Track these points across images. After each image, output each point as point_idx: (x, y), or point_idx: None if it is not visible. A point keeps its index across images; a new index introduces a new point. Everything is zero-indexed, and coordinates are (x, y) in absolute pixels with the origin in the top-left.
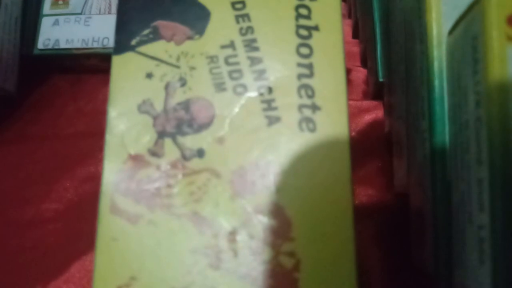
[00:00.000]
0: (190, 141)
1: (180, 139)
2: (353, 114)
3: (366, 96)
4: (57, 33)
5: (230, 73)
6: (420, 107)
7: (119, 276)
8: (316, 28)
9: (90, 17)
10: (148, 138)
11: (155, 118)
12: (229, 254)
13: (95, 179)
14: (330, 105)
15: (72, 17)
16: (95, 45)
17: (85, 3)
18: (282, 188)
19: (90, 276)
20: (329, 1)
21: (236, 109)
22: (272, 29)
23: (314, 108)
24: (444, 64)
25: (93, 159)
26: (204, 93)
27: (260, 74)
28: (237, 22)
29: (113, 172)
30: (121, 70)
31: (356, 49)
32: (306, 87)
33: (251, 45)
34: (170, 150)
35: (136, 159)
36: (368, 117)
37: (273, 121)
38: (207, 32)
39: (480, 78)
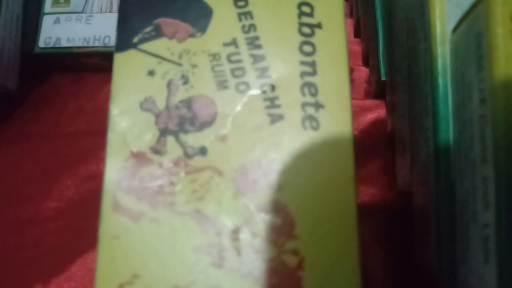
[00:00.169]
0: (193, 139)
1: (183, 137)
2: (355, 113)
3: (368, 95)
4: (58, 31)
5: (232, 71)
6: (423, 105)
7: (121, 273)
8: (319, 26)
9: (91, 16)
10: (150, 135)
11: (157, 115)
12: (232, 252)
13: (97, 177)
14: (333, 103)
15: (74, 15)
16: (97, 43)
17: (86, 1)
18: (285, 186)
19: (92, 274)
20: None
21: (239, 107)
22: (275, 27)
23: (317, 106)
24: (448, 61)
25: (94, 157)
26: (206, 91)
27: (263, 72)
28: (240, 19)
29: (115, 170)
30: (123, 67)
31: (357, 48)
32: (309, 85)
33: (253, 43)
34: (173, 148)
35: (138, 157)
36: (370, 116)
37: (276, 119)
38: (209, 30)
39: (484, 75)
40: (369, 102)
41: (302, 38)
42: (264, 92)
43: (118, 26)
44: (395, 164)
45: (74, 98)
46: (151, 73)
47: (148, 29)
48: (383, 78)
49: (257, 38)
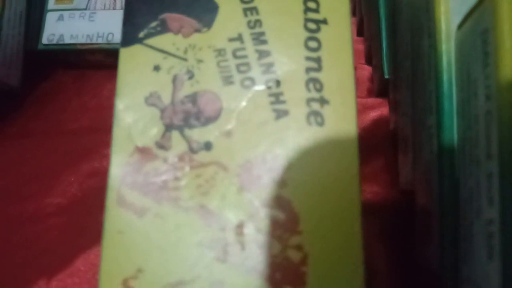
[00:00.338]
0: (198, 134)
1: (188, 132)
2: (358, 111)
3: (371, 93)
4: (61, 28)
5: (237, 66)
6: (427, 103)
7: (126, 268)
8: (324, 21)
9: (94, 13)
10: (155, 130)
11: (162, 110)
12: (236, 247)
13: (99, 174)
14: (338, 99)
15: (77, 12)
16: (100, 40)
17: None
18: (289, 182)
19: (95, 269)
20: None
21: (244, 103)
22: (280, 23)
23: (322, 102)
24: (453, 58)
25: (97, 154)
26: (212, 86)
27: (268, 67)
28: (245, 15)
29: (120, 165)
30: (128, 62)
31: (360, 46)
32: (314, 80)
33: (259, 38)
34: (178, 143)
35: (143, 152)
36: (373, 114)
37: (281, 114)
38: (215, 25)
39: (490, 72)
40: (372, 100)
41: (307, 34)
42: (269, 87)
43: (123, 21)
44: (398, 162)
45: (77, 95)
46: (156, 68)
47: (153, 24)
48: (386, 76)
49: (262, 33)
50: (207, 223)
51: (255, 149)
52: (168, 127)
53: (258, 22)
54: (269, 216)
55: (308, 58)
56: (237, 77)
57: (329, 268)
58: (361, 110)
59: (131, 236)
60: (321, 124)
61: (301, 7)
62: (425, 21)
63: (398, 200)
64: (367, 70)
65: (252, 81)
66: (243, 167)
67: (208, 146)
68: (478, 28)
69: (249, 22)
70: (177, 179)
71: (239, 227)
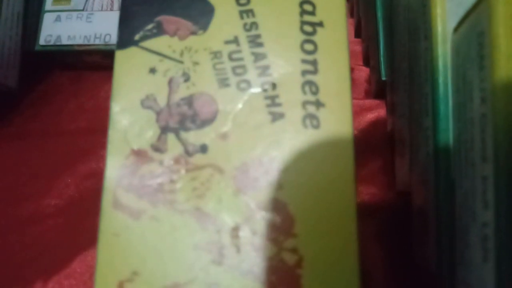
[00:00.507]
0: (193, 137)
1: (183, 134)
2: (355, 113)
3: (368, 95)
4: (59, 29)
5: (233, 68)
6: (423, 105)
7: (121, 271)
8: (320, 24)
9: (92, 14)
10: (151, 133)
11: (158, 113)
12: (232, 250)
13: (97, 175)
14: (334, 101)
15: (74, 13)
16: (97, 41)
17: None
18: (285, 184)
19: (92, 271)
20: None
21: (240, 105)
22: (277, 25)
23: (318, 104)
24: (449, 61)
25: (94, 155)
26: (208, 89)
27: (264, 70)
28: (241, 17)
29: (115, 167)
30: (124, 65)
31: (358, 48)
32: (310, 83)
33: (255, 41)
34: (173, 145)
35: (139, 154)
36: (370, 116)
37: (276, 117)
38: (211, 28)
39: (486, 74)
40: (369, 102)
41: (303, 37)
42: (265, 90)
43: (119, 23)
44: (395, 164)
45: (75, 96)
46: (152, 70)
47: (149, 26)
48: (383, 78)
49: (258, 36)
50: (203, 226)
51: (251, 151)
52: (164, 130)
53: (254, 25)
54: (265, 219)
55: (304, 61)
56: (233, 79)
57: (324, 271)
58: (358, 111)
59: (127, 238)
60: (316, 127)
61: (297, 10)
62: (422, 23)
63: (395, 201)
64: (364, 72)
65: (248, 83)
66: (239, 169)
67: (204, 148)
68: (474, 31)
69: (245, 24)
70: (172, 181)
71: (235, 229)
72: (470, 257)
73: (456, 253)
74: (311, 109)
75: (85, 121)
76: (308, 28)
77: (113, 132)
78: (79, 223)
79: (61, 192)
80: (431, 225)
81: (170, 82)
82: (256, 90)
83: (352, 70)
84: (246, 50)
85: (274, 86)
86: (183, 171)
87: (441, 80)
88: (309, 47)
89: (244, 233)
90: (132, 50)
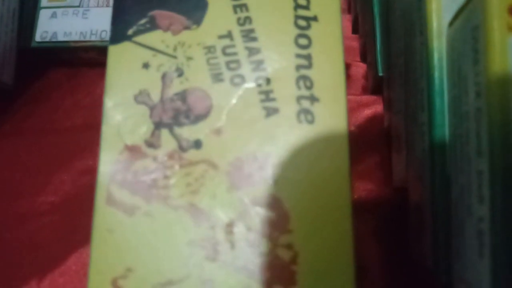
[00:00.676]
0: (187, 132)
1: (177, 130)
2: (352, 109)
3: (365, 90)
4: (55, 25)
5: (227, 63)
6: (419, 100)
7: (115, 267)
8: (315, 18)
9: (88, 10)
10: (144, 129)
11: (151, 108)
12: (226, 246)
13: (93, 172)
14: (328, 96)
15: (70, 9)
16: (93, 38)
17: None
18: (279, 180)
19: (87, 269)
20: None
21: (234, 100)
22: (270, 20)
23: (313, 99)
24: (444, 55)
25: (90, 152)
26: (201, 84)
27: (258, 64)
28: (235, 12)
29: (109, 163)
30: (117, 60)
31: (355, 44)
32: (304, 78)
33: (249, 36)
34: (167, 141)
35: (133, 150)
36: (367, 112)
37: (271, 112)
38: (204, 22)
39: (480, 68)
40: (366, 98)
41: (297, 31)
42: (259, 85)
43: (112, 18)
44: (392, 160)
45: (71, 93)
46: (145, 65)
47: (143, 21)
48: (380, 74)
49: (252, 30)
50: (197, 222)
51: (245, 147)
52: (158, 125)
53: (248, 19)
54: (259, 215)
55: (298, 56)
56: (227, 74)
57: (319, 267)
58: (355, 107)
59: (121, 235)
60: (311, 122)
61: (291, 4)
62: (417, 18)
63: (391, 197)
64: (362, 68)
65: (242, 78)
66: (233, 165)
67: (198, 144)
68: (469, 25)
69: (238, 19)
70: (166, 177)
71: (229, 225)
72: (466, 252)
73: (452, 248)
74: (306, 104)
75: (81, 117)
76: (302, 23)
77: (107, 127)
78: (74, 220)
79: (57, 189)
80: (427, 220)
81: (163, 77)
82: (250, 85)
83: (349, 66)
84: (240, 44)
85: (268, 81)
86: (177, 167)
87: (436, 75)
88: (303, 41)
89: (239, 229)
90: (125, 45)
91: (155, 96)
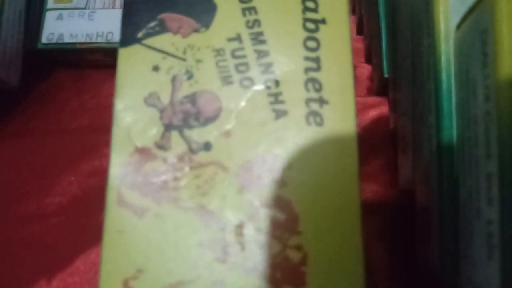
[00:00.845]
0: (197, 134)
1: (187, 132)
2: (357, 110)
3: (370, 92)
4: (61, 27)
5: (236, 66)
6: (427, 102)
7: (126, 268)
8: (323, 21)
9: (94, 12)
10: (154, 131)
11: (161, 111)
12: (236, 247)
13: (99, 173)
14: (337, 99)
15: (76, 11)
16: (99, 39)
17: None
18: (289, 182)
19: (96, 269)
20: None
21: (243, 103)
22: (279, 22)
23: (322, 102)
24: (452, 58)
25: (97, 153)
26: (211, 86)
27: (267, 67)
28: (244, 15)
29: (119, 165)
30: (127, 62)
31: (360, 45)
32: (313, 80)
33: (258, 38)
34: (177, 143)
35: (143, 152)
36: (373, 113)
37: (280, 114)
38: (213, 25)
39: (489, 72)
40: (371, 99)
41: (306, 34)
42: (268, 87)
43: (122, 21)
44: (398, 161)
45: (77, 94)
46: (155, 68)
47: (152, 24)
48: (386, 75)
49: (261, 33)
50: (207, 224)
51: (254, 149)
52: (168, 128)
53: (256, 22)
54: (269, 216)
55: (307, 58)
56: (236, 77)
57: (329, 268)
58: (360, 109)
59: (131, 236)
60: (320, 124)
61: (299, 7)
62: (425, 20)
63: (397, 199)
64: (366, 69)
65: (251, 81)
66: (243, 167)
67: (207, 146)
68: (478, 28)
69: (247, 22)
70: (176, 179)
71: (239, 227)
72: (475, 255)
73: (460, 250)
74: (315, 106)
75: (87, 119)
76: (310, 25)
77: (117, 129)
78: (82, 221)
79: (64, 190)
80: (434, 222)
81: (173, 80)
82: (259, 87)
83: (354, 67)
84: (249, 47)
85: (277, 83)
86: (187, 169)
87: (444, 77)
88: (311, 44)
89: (249, 230)
90: (135, 48)
91: (165, 99)
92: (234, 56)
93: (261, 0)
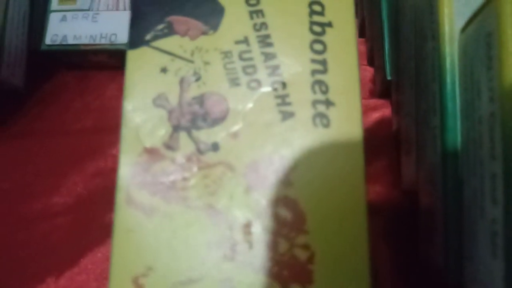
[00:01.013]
0: (205, 135)
1: (195, 133)
2: None
3: (373, 94)
4: (65, 29)
5: (244, 68)
6: (431, 104)
7: (136, 266)
8: (329, 24)
9: (98, 13)
10: (163, 131)
11: (170, 112)
12: (244, 246)
13: (104, 173)
14: (343, 100)
15: (80, 13)
16: (103, 41)
17: None
18: (295, 182)
19: (102, 267)
20: None
21: (250, 104)
22: (286, 25)
23: (328, 103)
24: (456, 60)
25: (101, 154)
26: (218, 88)
27: (274, 69)
28: (251, 18)
29: (128, 165)
30: (136, 64)
31: (362, 48)
32: (319, 83)
33: (265, 41)
34: (185, 143)
35: (152, 152)
36: (375, 115)
37: (287, 116)
38: (221, 28)
39: (494, 74)
40: (374, 101)
41: (313, 37)
42: (275, 89)
43: (131, 23)
44: (401, 162)
45: (80, 96)
46: (163, 70)
47: (160, 26)
48: (388, 78)
49: (268, 36)
50: (215, 223)
51: (261, 150)
52: (176, 128)
53: (263, 25)
54: (276, 216)
55: (314, 61)
56: (243, 79)
57: (335, 266)
58: (363, 111)
59: (141, 234)
60: (326, 125)
61: (306, 10)
62: (429, 23)
63: (400, 200)
64: (369, 72)
65: (258, 83)
66: (250, 167)
67: (215, 147)
68: (482, 31)
69: (255, 24)
70: (185, 179)
71: (247, 226)
72: (479, 254)
73: (464, 250)
74: (321, 108)
75: (91, 120)
76: (317, 28)
77: (126, 130)
78: (88, 221)
79: (69, 191)
80: (438, 223)
81: (181, 81)
82: (266, 89)
83: None
84: (256, 50)
85: (284, 85)
86: (195, 169)
87: (448, 79)
88: (318, 47)
89: (256, 229)
90: (143, 50)
91: (173, 100)
92: (241, 59)
93: (268, 3)
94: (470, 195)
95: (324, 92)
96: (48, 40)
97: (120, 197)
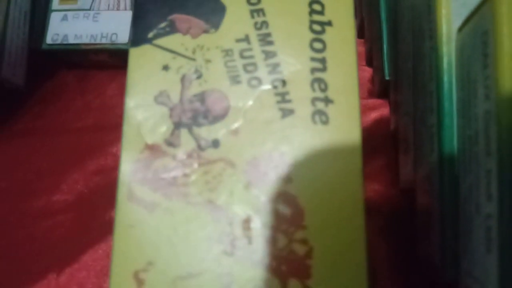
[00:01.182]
0: (206, 132)
1: (196, 130)
2: None
3: (371, 94)
4: (65, 28)
5: (244, 66)
6: (428, 103)
7: (137, 261)
8: (329, 23)
9: (98, 13)
10: (164, 128)
11: (171, 109)
12: (243, 241)
13: (105, 171)
14: (342, 98)
15: (81, 12)
16: (104, 40)
17: None
18: (295, 178)
19: (103, 264)
20: None
21: (251, 102)
22: (286, 24)
23: (327, 101)
24: (453, 60)
25: (102, 152)
26: (219, 86)
27: (274, 67)
28: (252, 16)
29: (130, 161)
30: (138, 62)
31: (361, 48)
32: (319, 80)
33: (265, 39)
34: (186, 140)
35: (153, 149)
36: (374, 115)
37: (286, 113)
38: (222, 26)
39: (490, 72)
40: (372, 101)
41: (312, 35)
42: (275, 87)
43: (133, 22)
44: (398, 161)
45: (81, 95)
46: (165, 67)
47: (162, 24)
48: (387, 78)
49: (269, 34)
50: (215, 218)
51: (261, 146)
52: (177, 125)
53: (264, 24)
54: (275, 211)
55: (313, 59)
56: (244, 76)
57: (333, 261)
58: (362, 111)
59: (142, 230)
60: (325, 122)
61: (306, 9)
62: (426, 23)
63: (398, 198)
64: (367, 72)
65: (259, 80)
66: (250, 163)
67: (215, 143)
68: (479, 30)
69: (256, 23)
70: (186, 175)
71: (246, 221)
72: (474, 249)
73: (460, 246)
74: (320, 105)
75: (91, 119)
76: (317, 27)
77: (128, 127)
78: (88, 218)
79: (70, 188)
80: (435, 220)
81: (182, 79)
82: (266, 87)
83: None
84: (256, 48)
85: (284, 83)
86: (195, 165)
87: (445, 78)
88: (318, 45)
89: (255, 224)
90: (145, 48)
91: (175, 97)
92: (242, 57)
93: (269, 2)
94: (466, 191)
95: (323, 90)
96: (49, 40)
97: (122, 193)
